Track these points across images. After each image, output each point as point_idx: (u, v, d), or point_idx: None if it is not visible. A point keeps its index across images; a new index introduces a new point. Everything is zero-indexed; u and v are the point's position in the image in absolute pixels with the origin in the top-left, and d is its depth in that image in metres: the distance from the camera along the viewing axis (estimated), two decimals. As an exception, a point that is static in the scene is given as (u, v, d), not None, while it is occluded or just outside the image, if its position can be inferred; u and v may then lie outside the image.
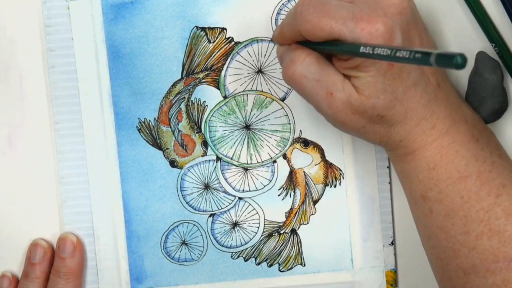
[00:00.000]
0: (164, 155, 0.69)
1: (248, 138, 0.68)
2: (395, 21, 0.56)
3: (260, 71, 0.68)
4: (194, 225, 0.69)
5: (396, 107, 0.58)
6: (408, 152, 0.60)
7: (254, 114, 0.68)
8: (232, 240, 0.69)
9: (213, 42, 0.68)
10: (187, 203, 0.69)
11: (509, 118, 0.67)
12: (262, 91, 0.68)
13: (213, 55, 0.68)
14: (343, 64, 0.58)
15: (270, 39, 0.67)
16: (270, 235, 0.69)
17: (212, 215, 0.69)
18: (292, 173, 0.69)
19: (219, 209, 0.69)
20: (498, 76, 0.64)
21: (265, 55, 0.68)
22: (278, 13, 0.67)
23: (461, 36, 0.67)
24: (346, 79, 0.58)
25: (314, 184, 0.69)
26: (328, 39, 0.57)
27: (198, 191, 0.69)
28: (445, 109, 0.60)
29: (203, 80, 0.68)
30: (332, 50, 0.58)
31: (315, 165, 0.69)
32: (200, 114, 0.68)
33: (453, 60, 0.45)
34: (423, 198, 0.61)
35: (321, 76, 0.58)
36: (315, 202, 0.69)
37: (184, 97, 0.68)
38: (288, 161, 0.69)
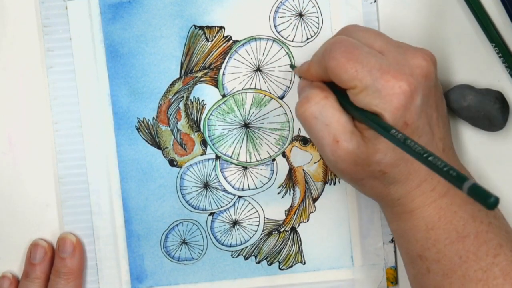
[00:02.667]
0: (163, 154, 0.69)
1: (247, 136, 0.68)
2: (419, 82, 0.57)
3: (258, 70, 0.68)
4: (194, 224, 0.69)
5: (401, 166, 0.58)
6: (405, 210, 0.60)
7: (253, 112, 0.68)
8: (232, 238, 0.69)
9: (211, 40, 0.68)
10: (186, 202, 0.69)
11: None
12: (260, 89, 0.68)
13: (211, 53, 0.68)
14: (360, 111, 0.58)
15: (268, 37, 0.67)
16: (270, 234, 0.69)
17: (211, 214, 0.69)
18: (291, 171, 0.69)
19: (218, 208, 0.69)
20: (472, 95, 0.64)
21: (263, 53, 0.68)
22: (276, 11, 0.67)
23: (461, 36, 0.66)
24: (357, 131, 0.58)
25: (314, 182, 0.69)
26: (349, 85, 0.56)
27: (197, 190, 0.69)
28: None
29: (201, 79, 0.68)
30: (355, 113, 0.57)
31: (315, 163, 0.69)
32: (199, 113, 0.68)
33: (487, 199, 0.46)
34: (420, 257, 0.60)
35: (332, 122, 0.58)
36: (314, 200, 0.69)
37: (183, 96, 0.68)
38: (287, 159, 0.69)
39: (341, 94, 0.59)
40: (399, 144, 0.53)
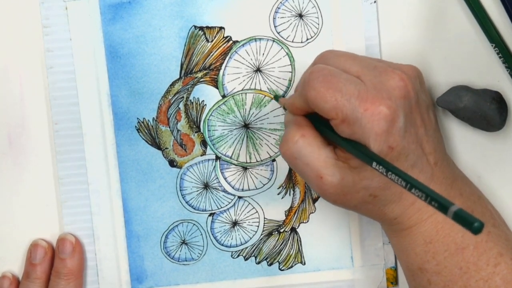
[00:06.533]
0: (163, 155, 0.69)
1: (247, 137, 0.68)
2: (398, 104, 0.57)
3: (258, 70, 0.68)
4: (194, 224, 0.69)
5: (391, 188, 0.58)
6: (403, 228, 0.61)
7: (253, 113, 0.68)
8: (232, 239, 0.69)
9: (211, 41, 0.68)
10: (186, 202, 0.69)
11: None
12: (260, 89, 0.68)
13: (211, 54, 0.68)
14: (344, 141, 0.58)
15: (268, 37, 0.67)
16: (270, 234, 0.69)
17: (211, 214, 0.69)
18: (291, 172, 0.69)
19: (218, 208, 0.69)
20: (468, 95, 0.64)
21: (263, 53, 0.68)
22: (276, 12, 0.67)
23: (461, 36, 0.66)
24: (339, 163, 0.58)
25: (314, 182, 0.69)
26: (330, 115, 0.57)
27: (197, 191, 0.69)
28: (440, 186, 0.60)
29: (201, 80, 0.68)
30: (341, 144, 0.58)
31: (315, 163, 0.68)
32: (199, 114, 0.68)
33: (471, 224, 0.47)
34: (421, 270, 0.61)
35: (312, 160, 0.58)
36: (314, 200, 0.69)
37: (183, 97, 0.68)
38: (287, 160, 0.69)
39: (324, 125, 0.59)
40: (384, 175, 0.54)
